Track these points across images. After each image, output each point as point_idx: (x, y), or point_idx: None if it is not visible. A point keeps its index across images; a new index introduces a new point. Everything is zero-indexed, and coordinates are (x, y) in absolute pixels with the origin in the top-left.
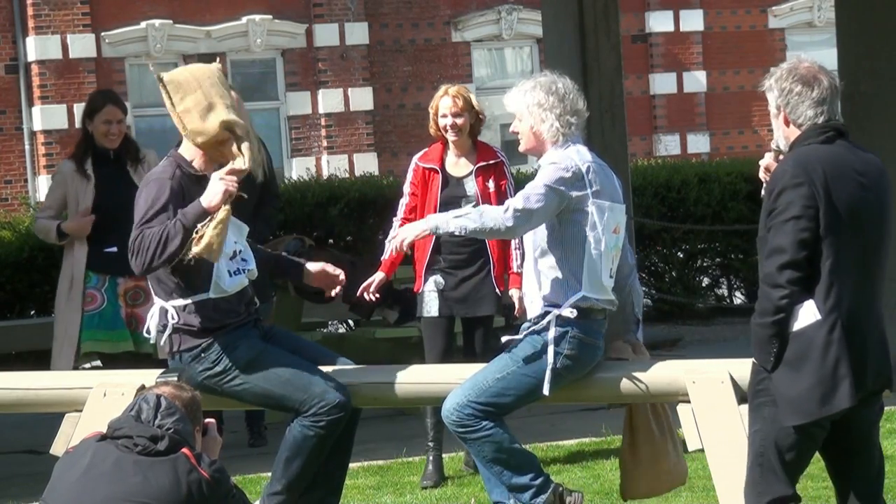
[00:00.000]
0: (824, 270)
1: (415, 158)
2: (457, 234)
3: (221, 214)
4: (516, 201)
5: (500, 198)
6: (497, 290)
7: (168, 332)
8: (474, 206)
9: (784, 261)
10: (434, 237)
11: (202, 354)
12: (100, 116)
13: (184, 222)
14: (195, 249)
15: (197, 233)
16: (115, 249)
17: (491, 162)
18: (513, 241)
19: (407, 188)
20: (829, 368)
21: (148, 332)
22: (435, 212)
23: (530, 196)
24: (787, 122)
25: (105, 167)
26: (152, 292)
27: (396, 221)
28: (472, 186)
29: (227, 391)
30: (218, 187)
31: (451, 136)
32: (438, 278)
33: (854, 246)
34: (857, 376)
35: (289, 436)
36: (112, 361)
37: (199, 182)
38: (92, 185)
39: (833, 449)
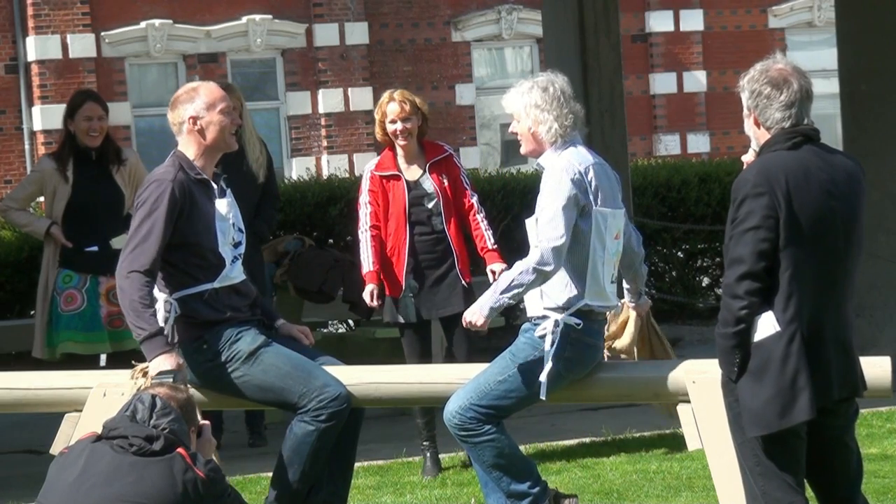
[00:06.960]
0: (783, 281)
1: (369, 169)
2: (514, 302)
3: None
4: (542, 235)
5: (457, 189)
6: (464, 283)
7: (170, 322)
8: (436, 203)
9: (742, 271)
10: (408, 241)
11: (204, 346)
12: (80, 113)
13: (149, 331)
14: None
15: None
16: (95, 249)
17: (440, 157)
18: (482, 221)
19: (366, 198)
20: (787, 380)
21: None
22: (405, 217)
23: (552, 223)
24: (756, 125)
25: (87, 167)
26: (156, 286)
27: (366, 234)
28: (430, 185)
29: (228, 383)
30: (164, 366)
31: (400, 142)
32: (412, 282)
33: (817, 255)
34: (817, 388)
35: (290, 435)
36: (116, 360)
37: (200, 184)
38: (69, 186)
39: (808, 455)
